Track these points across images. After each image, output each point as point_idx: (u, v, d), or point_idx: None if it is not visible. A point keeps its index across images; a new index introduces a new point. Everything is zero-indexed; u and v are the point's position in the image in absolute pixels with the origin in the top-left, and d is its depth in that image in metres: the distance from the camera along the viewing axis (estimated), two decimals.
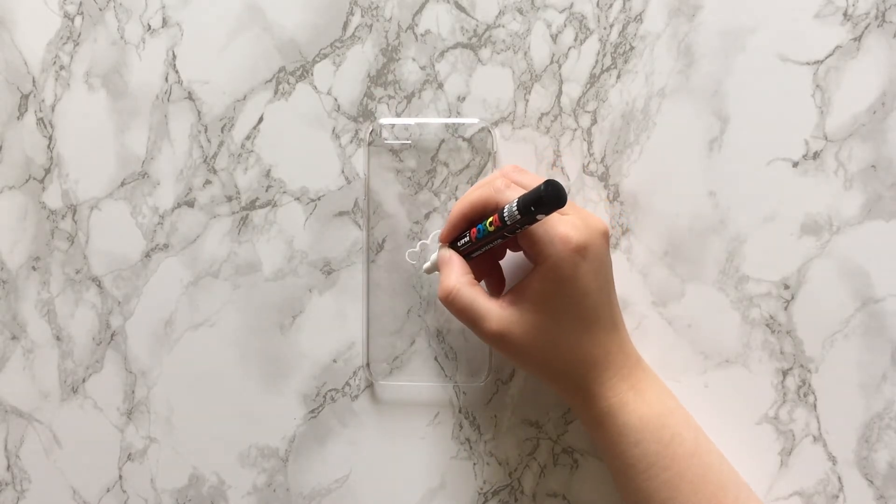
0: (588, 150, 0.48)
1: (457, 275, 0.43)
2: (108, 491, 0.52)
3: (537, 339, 0.41)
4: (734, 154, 0.47)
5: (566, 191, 0.37)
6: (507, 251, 0.46)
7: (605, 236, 0.42)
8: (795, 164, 0.47)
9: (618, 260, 0.48)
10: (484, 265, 0.45)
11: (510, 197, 0.41)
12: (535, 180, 0.42)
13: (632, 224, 0.48)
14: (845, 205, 0.46)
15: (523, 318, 0.41)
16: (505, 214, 0.39)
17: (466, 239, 0.43)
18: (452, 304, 0.42)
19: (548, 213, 0.37)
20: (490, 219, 0.41)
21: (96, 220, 0.52)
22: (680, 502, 0.40)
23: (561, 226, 0.40)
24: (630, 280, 0.48)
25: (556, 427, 0.49)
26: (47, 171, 0.52)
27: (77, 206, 0.52)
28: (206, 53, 0.50)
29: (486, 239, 0.42)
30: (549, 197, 0.36)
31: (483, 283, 0.46)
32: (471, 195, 0.43)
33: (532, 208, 0.37)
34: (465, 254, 0.44)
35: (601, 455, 0.44)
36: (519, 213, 0.38)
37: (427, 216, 0.49)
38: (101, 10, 0.51)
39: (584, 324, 0.41)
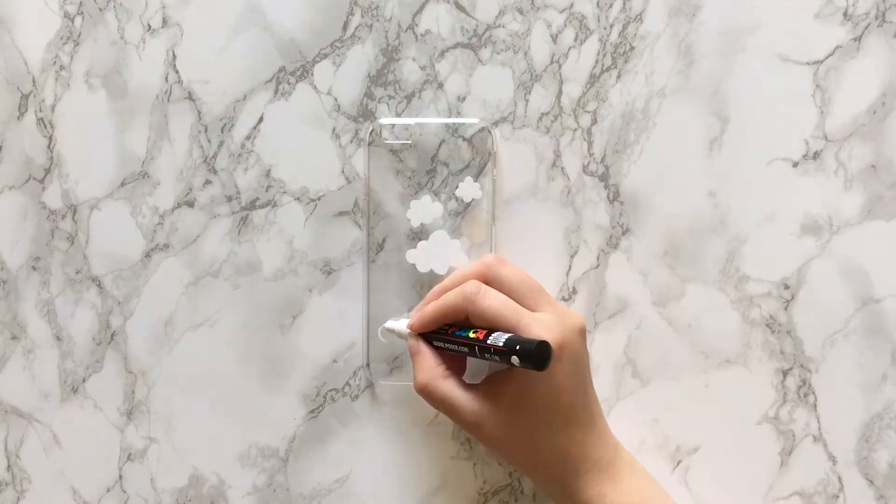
0: (588, 150, 0.48)
1: (428, 367, 0.43)
2: (108, 491, 0.52)
3: (511, 434, 0.41)
4: (734, 154, 0.47)
5: (550, 350, 0.38)
6: None
7: (582, 333, 0.42)
8: (795, 164, 0.47)
9: (618, 260, 0.48)
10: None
11: (483, 305, 0.41)
12: (514, 275, 0.42)
13: (632, 224, 0.48)
14: (845, 205, 0.46)
15: (498, 412, 0.41)
16: (489, 341, 0.40)
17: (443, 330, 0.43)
18: (429, 397, 0.42)
19: (526, 368, 0.38)
20: (476, 332, 0.41)
21: (96, 220, 0.52)
22: None
23: (535, 326, 0.40)
24: (630, 280, 0.48)
25: None
26: (47, 171, 0.52)
27: (77, 206, 0.52)
28: (206, 53, 0.50)
29: (462, 342, 0.41)
30: (535, 360, 0.37)
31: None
32: (444, 301, 0.42)
33: (515, 357, 0.38)
34: (437, 340, 0.44)
35: None
36: (498, 356, 0.39)
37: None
38: (101, 10, 0.51)
39: (559, 422, 0.41)
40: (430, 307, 0.43)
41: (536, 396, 0.41)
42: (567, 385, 0.41)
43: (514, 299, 0.42)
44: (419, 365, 0.43)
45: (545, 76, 0.48)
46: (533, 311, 0.41)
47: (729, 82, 0.47)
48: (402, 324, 0.45)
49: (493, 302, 0.41)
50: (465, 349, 0.41)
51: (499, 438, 0.41)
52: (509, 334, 0.39)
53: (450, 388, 0.42)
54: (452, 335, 0.42)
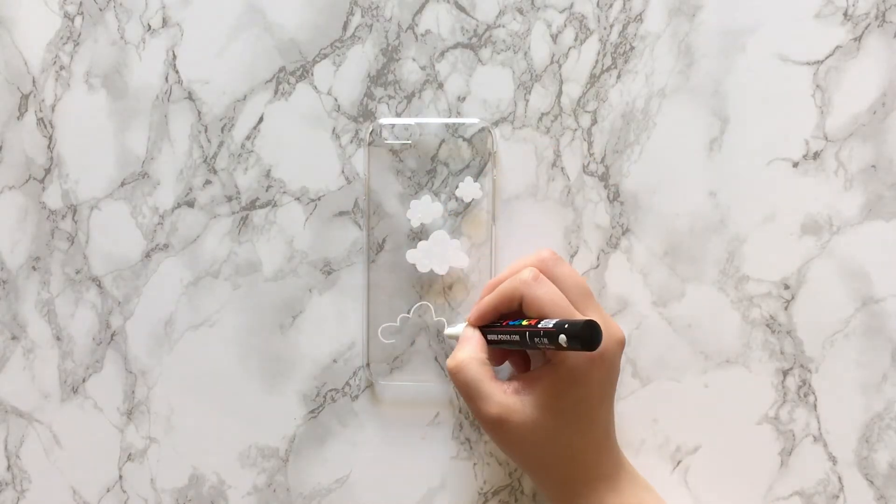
0: (588, 150, 0.48)
1: (471, 349, 0.43)
2: (108, 491, 0.52)
3: (534, 433, 0.41)
4: (734, 154, 0.47)
5: (600, 332, 0.38)
6: None
7: (621, 346, 0.42)
8: (795, 164, 0.47)
9: (618, 260, 0.48)
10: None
11: (539, 291, 0.41)
12: (568, 275, 0.43)
13: (632, 224, 0.48)
14: (845, 205, 0.46)
15: (525, 410, 0.41)
16: (540, 325, 0.40)
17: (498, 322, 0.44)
18: (457, 375, 0.42)
19: (574, 349, 0.38)
20: (528, 321, 0.41)
21: (96, 220, 0.52)
22: None
23: None
24: (630, 280, 0.48)
25: None
26: (47, 171, 0.52)
27: (77, 206, 0.52)
28: (206, 53, 0.50)
29: (514, 330, 0.42)
30: (584, 340, 0.37)
31: (508, 361, 0.46)
32: (501, 289, 0.43)
33: (562, 336, 0.38)
34: (490, 333, 0.44)
35: None
36: (547, 338, 0.39)
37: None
38: (101, 10, 0.51)
39: (581, 427, 0.41)
40: (487, 298, 0.44)
41: (567, 399, 0.41)
42: (597, 392, 0.41)
43: None
44: (464, 344, 0.43)
45: (545, 76, 0.48)
46: (581, 313, 0.42)
47: (729, 82, 0.47)
48: (458, 328, 0.46)
49: (548, 290, 0.41)
50: (517, 337, 0.41)
51: (519, 435, 0.41)
52: (556, 320, 0.39)
53: (484, 374, 0.42)
54: (506, 326, 0.43)
